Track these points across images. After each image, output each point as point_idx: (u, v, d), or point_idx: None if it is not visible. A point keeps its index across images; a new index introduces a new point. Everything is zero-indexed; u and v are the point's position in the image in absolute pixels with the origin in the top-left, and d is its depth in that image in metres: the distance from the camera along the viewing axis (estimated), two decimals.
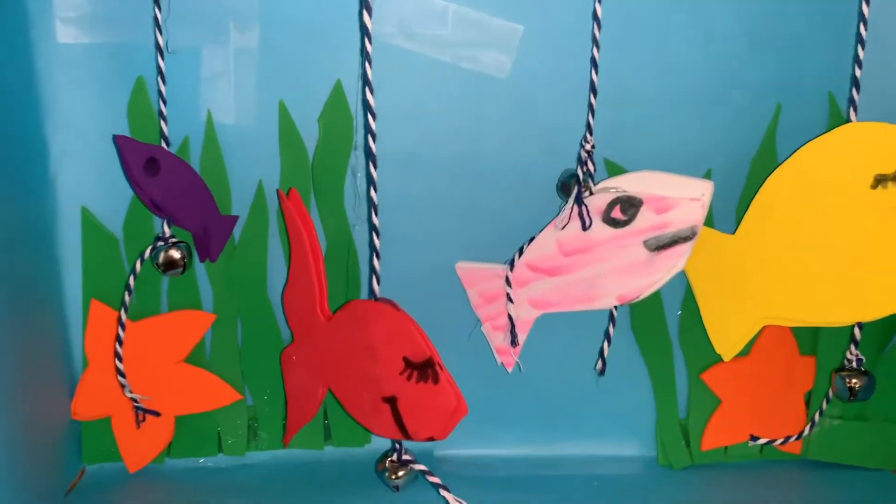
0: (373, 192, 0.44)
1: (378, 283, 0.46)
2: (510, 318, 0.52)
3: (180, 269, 0.49)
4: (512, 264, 0.51)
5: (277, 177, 0.52)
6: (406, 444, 0.50)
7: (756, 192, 0.50)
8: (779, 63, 0.52)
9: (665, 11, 0.51)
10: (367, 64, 0.43)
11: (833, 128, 0.47)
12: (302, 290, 0.49)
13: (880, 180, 0.45)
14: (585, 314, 0.52)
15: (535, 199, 0.52)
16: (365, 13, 0.42)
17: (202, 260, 0.51)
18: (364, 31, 0.42)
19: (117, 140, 0.47)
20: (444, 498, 0.48)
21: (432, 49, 0.50)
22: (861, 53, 0.48)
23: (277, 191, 0.50)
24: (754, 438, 0.55)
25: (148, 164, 0.46)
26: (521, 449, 0.58)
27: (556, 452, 0.58)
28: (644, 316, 0.55)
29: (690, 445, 0.57)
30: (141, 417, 0.53)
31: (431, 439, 0.45)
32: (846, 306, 0.47)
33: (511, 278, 0.51)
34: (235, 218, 0.52)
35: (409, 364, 0.44)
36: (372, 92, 0.42)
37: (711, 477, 0.56)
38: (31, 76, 0.49)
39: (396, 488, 0.49)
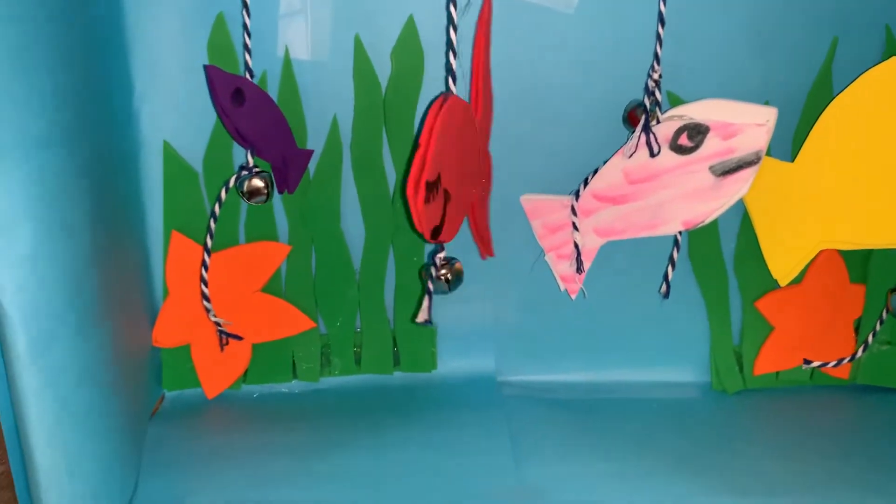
0: (451, 59, 0.43)
1: None
2: (576, 246, 0.54)
3: (263, 197, 0.51)
4: (577, 194, 0.53)
5: (351, 112, 0.54)
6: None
7: (811, 124, 0.52)
8: None
9: None
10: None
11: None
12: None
13: None
14: (642, 243, 0.55)
15: (599, 133, 0.54)
16: None
17: (280, 192, 0.53)
18: None
19: (208, 70, 0.49)
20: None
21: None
22: None
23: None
24: (807, 362, 0.58)
25: (235, 94, 0.48)
26: (581, 374, 0.60)
27: (614, 378, 0.60)
28: (701, 245, 0.58)
29: (743, 371, 0.59)
30: (224, 341, 0.56)
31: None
32: None
33: (577, 208, 0.53)
34: (311, 152, 0.54)
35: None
36: (456, 31, 0.43)
37: (764, 401, 0.59)
38: (117, 13, 0.50)
39: (448, 281, 0.47)
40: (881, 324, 0.57)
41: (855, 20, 0.54)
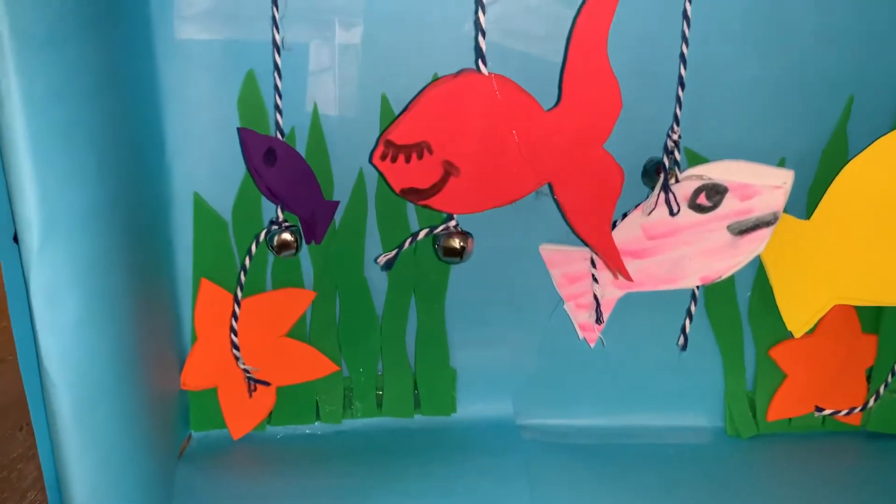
0: (480, 39, 0.45)
1: None
2: (595, 297, 0.55)
3: (293, 251, 0.53)
4: None
5: None
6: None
7: (827, 180, 0.53)
8: (853, 55, 0.54)
9: (745, 9, 0.53)
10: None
11: None
12: None
13: None
14: (660, 293, 0.56)
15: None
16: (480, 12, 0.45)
17: (308, 242, 0.55)
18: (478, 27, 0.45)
19: (241, 132, 0.50)
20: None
21: (525, 45, 0.53)
22: None
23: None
24: (819, 409, 0.59)
25: (267, 154, 0.50)
26: (597, 419, 0.62)
27: (630, 422, 0.62)
28: (717, 296, 0.59)
29: (757, 416, 0.61)
30: (253, 387, 0.57)
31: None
32: None
33: (596, 260, 0.55)
34: (337, 203, 0.55)
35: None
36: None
37: (777, 446, 0.60)
38: (152, 71, 0.52)
39: (462, 251, 0.50)
40: (893, 374, 0.58)
41: (871, 78, 0.55)
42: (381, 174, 0.48)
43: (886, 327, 0.59)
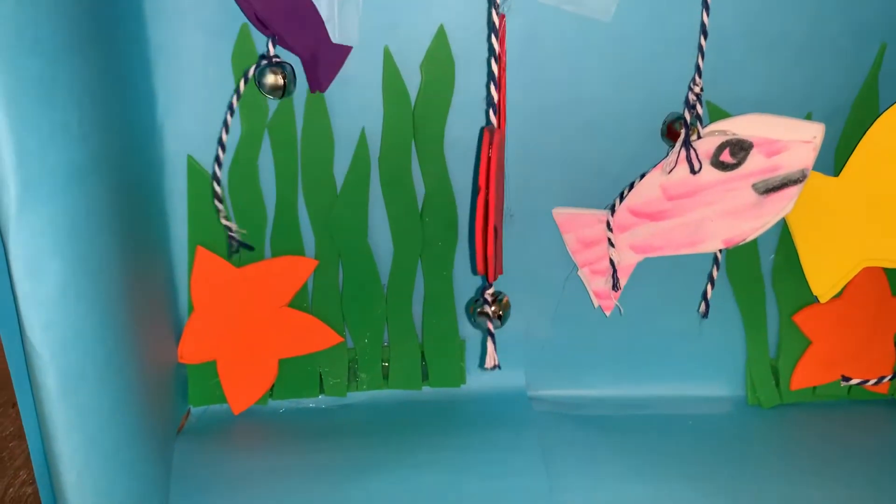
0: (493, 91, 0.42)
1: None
2: (612, 262, 0.52)
3: (280, 92, 0.48)
4: (613, 209, 0.52)
5: (380, 124, 0.52)
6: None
7: (856, 135, 0.50)
8: (882, 1, 0.51)
9: None
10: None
11: None
12: None
13: None
14: (678, 256, 0.53)
15: (635, 145, 0.52)
16: None
17: (312, 90, 0.51)
18: None
19: None
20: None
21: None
22: None
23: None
24: (846, 379, 0.56)
25: None
26: (612, 390, 0.59)
27: (646, 393, 0.59)
28: (739, 259, 0.56)
29: (780, 385, 0.58)
30: (235, 248, 0.53)
31: None
32: None
33: (612, 223, 0.52)
34: (349, 49, 0.50)
35: None
36: (497, 38, 0.41)
37: (800, 416, 0.58)
38: (141, 26, 0.49)
39: (499, 318, 0.46)
40: None
41: None
42: (472, 263, 0.47)
43: None
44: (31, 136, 0.34)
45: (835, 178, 0.50)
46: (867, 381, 0.56)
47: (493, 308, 0.45)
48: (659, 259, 0.53)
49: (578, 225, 0.54)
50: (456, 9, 0.50)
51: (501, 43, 0.44)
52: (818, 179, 0.50)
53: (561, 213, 0.54)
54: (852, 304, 0.56)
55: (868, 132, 0.49)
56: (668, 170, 0.49)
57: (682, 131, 0.48)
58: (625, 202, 0.51)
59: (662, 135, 0.51)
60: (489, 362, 0.45)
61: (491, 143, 0.39)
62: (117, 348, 0.42)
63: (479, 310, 0.45)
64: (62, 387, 0.37)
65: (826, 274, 0.52)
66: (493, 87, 0.40)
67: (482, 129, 0.40)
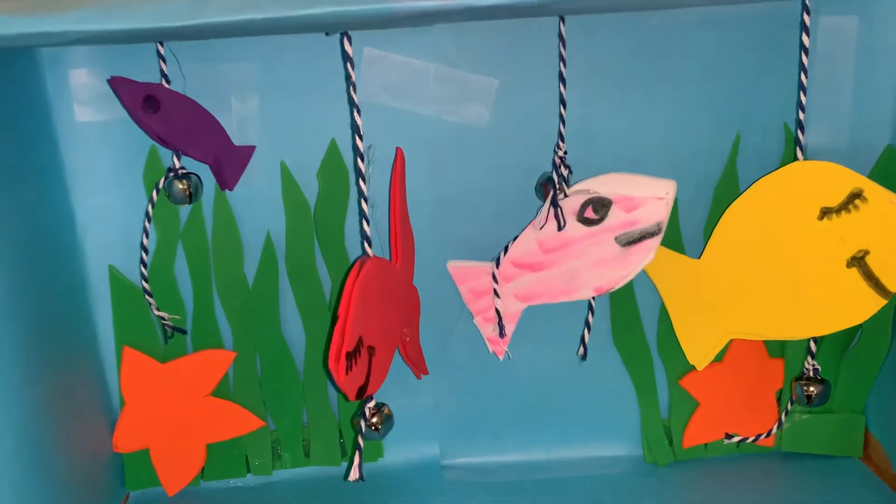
0: (365, 226, 0.47)
1: None
2: (497, 311, 0.57)
3: (186, 199, 0.53)
4: (498, 262, 0.56)
5: (283, 228, 0.57)
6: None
7: (721, 215, 0.55)
8: (737, 95, 0.56)
9: (627, 55, 0.55)
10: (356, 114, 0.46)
11: (788, 156, 0.52)
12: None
13: (825, 212, 0.49)
14: (571, 323, 0.59)
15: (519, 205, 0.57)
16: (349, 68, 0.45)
17: (222, 189, 0.55)
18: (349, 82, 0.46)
19: (111, 82, 0.50)
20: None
21: (417, 106, 0.55)
22: (804, 80, 0.51)
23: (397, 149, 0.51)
24: (729, 436, 0.60)
25: (146, 101, 0.49)
26: (519, 455, 0.64)
27: (550, 456, 0.63)
28: (624, 329, 0.61)
29: (673, 444, 0.62)
30: (170, 335, 0.58)
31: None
32: (802, 323, 0.52)
33: (497, 275, 0.56)
34: (252, 148, 0.55)
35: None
36: (361, 139, 0.46)
37: (694, 472, 0.62)
38: (55, 152, 0.54)
39: (378, 429, 0.49)
40: (792, 397, 0.60)
41: (756, 118, 0.56)
42: (343, 394, 0.45)
43: (791, 350, 0.60)
44: None
45: (699, 260, 0.55)
46: (747, 438, 0.60)
47: (373, 421, 0.48)
48: (553, 322, 0.58)
49: (470, 276, 0.58)
50: (344, 124, 0.55)
51: (395, 178, 0.49)
52: (685, 261, 0.55)
53: (455, 266, 0.58)
54: (733, 367, 0.60)
55: (723, 217, 0.53)
56: (539, 226, 0.53)
57: (550, 191, 0.53)
58: (507, 255, 0.55)
59: (536, 191, 0.56)
60: (353, 475, 0.48)
61: (358, 274, 0.43)
62: (43, 447, 0.46)
63: (353, 420, 0.48)
64: None
65: (698, 345, 0.56)
66: (364, 223, 0.45)
67: (354, 260, 0.45)
